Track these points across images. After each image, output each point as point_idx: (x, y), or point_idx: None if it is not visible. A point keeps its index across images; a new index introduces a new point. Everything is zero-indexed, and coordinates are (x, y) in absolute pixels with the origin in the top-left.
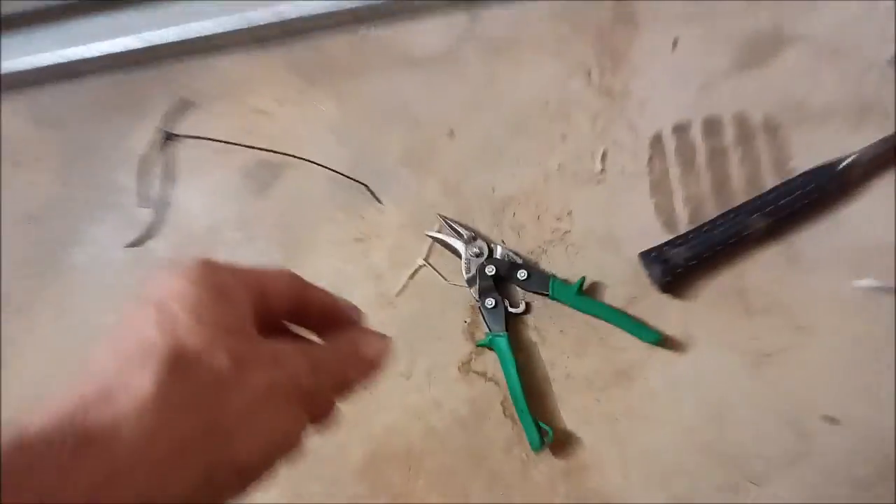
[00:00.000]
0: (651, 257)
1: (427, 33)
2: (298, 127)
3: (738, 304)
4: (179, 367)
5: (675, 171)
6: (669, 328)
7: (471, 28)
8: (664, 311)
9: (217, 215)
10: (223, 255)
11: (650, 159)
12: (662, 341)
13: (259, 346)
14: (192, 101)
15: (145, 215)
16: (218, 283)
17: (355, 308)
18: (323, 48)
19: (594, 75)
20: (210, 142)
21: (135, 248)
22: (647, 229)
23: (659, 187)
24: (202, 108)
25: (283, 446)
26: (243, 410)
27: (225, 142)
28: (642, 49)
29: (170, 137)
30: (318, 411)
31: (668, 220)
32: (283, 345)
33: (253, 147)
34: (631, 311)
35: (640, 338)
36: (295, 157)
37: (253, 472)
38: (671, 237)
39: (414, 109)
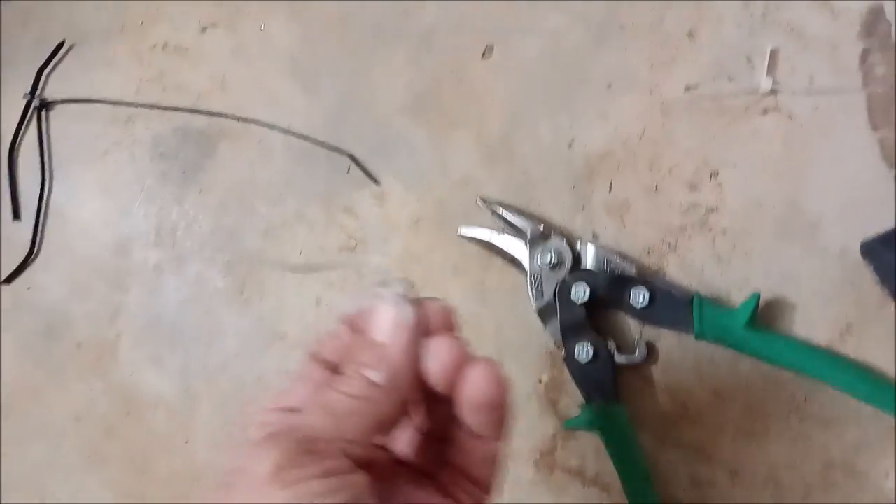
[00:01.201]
0: (892, 250)
1: None
2: (234, 66)
3: None
4: None
5: None
6: None
7: None
8: None
9: (123, 224)
10: (140, 291)
11: (865, 58)
12: None
13: None
14: (65, 45)
15: (16, 232)
16: None
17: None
18: None
19: None
20: (102, 107)
21: (7, 287)
22: (870, 194)
23: (887, 110)
24: (83, 54)
25: None
26: None
27: (120, 103)
28: None
29: (45, 106)
30: None
31: None
32: None
33: (164, 108)
34: (849, 350)
35: (877, 404)
36: (233, 117)
37: None
38: None
39: (422, 10)
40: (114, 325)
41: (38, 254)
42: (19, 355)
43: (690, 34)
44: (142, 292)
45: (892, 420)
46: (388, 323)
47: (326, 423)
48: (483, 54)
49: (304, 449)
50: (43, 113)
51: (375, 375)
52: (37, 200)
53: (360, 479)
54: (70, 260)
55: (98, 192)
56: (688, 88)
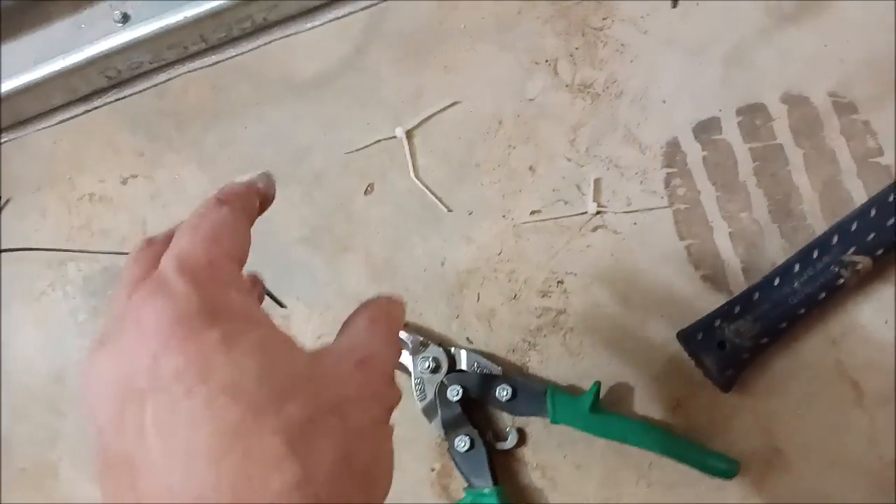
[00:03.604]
0: (697, 341)
1: (311, 45)
2: (153, 211)
3: (842, 390)
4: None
5: (709, 195)
6: (743, 444)
7: (373, 27)
8: (731, 419)
9: (58, 357)
10: (76, 415)
11: (669, 182)
12: (736, 470)
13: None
14: (2, 199)
15: None
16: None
17: None
18: (167, 91)
19: (562, 67)
20: (37, 253)
21: None
22: (682, 291)
23: (689, 223)
24: (18, 205)
25: None
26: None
27: (53, 249)
28: (628, 14)
29: None
30: None
31: (713, 273)
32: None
33: (93, 252)
34: (678, 424)
35: (704, 471)
36: None
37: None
38: (722, 302)
39: (311, 157)
40: (54, 448)
41: None
42: None
43: (531, 168)
44: (78, 416)
45: (719, 480)
46: None
47: None
48: (366, 191)
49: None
50: None
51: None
52: None
53: None
54: (11, 390)
55: (36, 328)
56: (533, 213)
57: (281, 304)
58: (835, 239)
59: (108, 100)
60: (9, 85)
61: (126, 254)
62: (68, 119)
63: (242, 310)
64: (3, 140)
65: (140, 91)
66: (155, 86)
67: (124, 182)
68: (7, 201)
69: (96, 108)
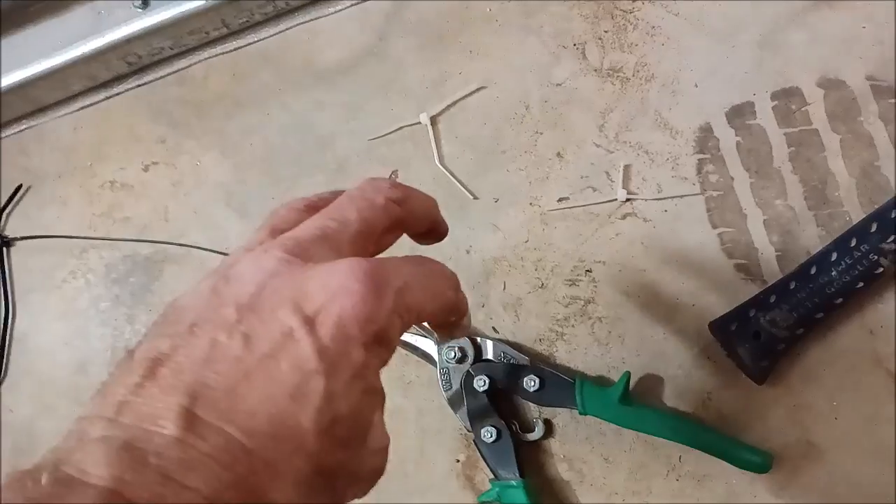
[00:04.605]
0: (731, 331)
1: (333, 31)
2: (175, 199)
3: (879, 380)
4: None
5: (742, 182)
6: (776, 437)
7: (396, 12)
8: (763, 411)
9: (81, 346)
10: None
11: (700, 168)
12: (770, 464)
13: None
14: (23, 187)
15: None
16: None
17: None
18: (188, 78)
19: (591, 51)
20: (58, 241)
21: None
22: (714, 280)
23: (722, 210)
24: (39, 194)
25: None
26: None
27: (74, 237)
28: None
29: (6, 243)
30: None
31: (747, 262)
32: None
33: (114, 239)
34: (709, 417)
35: (737, 464)
36: (175, 244)
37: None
38: (756, 292)
39: (335, 145)
40: None
41: (4, 378)
42: None
43: (559, 155)
44: None
45: (751, 474)
46: None
47: None
48: (389, 178)
49: None
50: (4, 250)
51: None
52: (0, 329)
53: None
54: (34, 381)
55: (57, 317)
56: (560, 200)
57: None
58: (873, 227)
59: (128, 86)
60: (28, 72)
61: (147, 241)
62: (88, 106)
63: None
64: (23, 128)
65: (161, 77)
66: (176, 72)
67: (146, 169)
68: (28, 189)
69: (117, 94)
